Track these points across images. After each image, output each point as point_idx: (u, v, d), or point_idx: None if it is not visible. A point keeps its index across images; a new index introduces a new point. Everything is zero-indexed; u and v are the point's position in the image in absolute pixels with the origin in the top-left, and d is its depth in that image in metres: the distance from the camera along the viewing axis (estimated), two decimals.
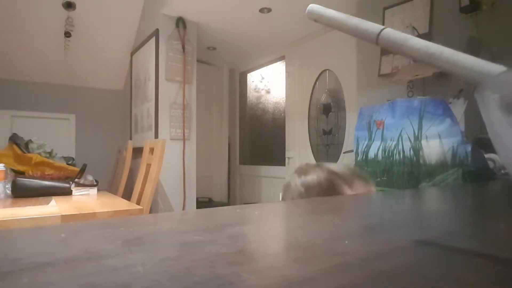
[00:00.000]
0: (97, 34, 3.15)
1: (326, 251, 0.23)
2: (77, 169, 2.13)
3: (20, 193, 1.69)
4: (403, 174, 0.94)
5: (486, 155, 0.97)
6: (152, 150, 1.95)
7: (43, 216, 1.18)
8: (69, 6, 2.84)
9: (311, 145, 3.27)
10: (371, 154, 1.02)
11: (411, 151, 0.93)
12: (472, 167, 0.88)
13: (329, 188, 0.65)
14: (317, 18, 0.32)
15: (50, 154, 2.22)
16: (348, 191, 0.66)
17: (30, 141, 2.24)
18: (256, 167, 3.96)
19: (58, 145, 2.58)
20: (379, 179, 0.99)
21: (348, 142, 2.81)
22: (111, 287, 0.16)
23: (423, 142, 0.92)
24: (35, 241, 0.24)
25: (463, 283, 0.18)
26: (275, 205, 0.47)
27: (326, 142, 3.19)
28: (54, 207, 1.38)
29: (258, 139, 4.12)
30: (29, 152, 2.13)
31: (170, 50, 2.81)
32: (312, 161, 3.19)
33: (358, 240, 0.27)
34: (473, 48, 1.64)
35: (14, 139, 2.19)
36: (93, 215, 1.29)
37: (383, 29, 0.27)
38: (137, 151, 2.61)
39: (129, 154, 2.50)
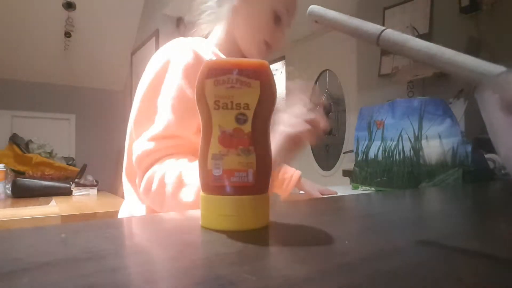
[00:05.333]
0: (97, 34, 3.15)
1: (326, 251, 0.23)
2: (77, 169, 2.13)
3: (20, 193, 1.69)
4: (403, 174, 0.94)
5: (486, 155, 0.97)
6: None
7: (43, 216, 1.18)
8: (69, 6, 2.84)
9: (311, 145, 3.27)
10: (371, 154, 1.01)
11: (411, 151, 0.93)
12: (472, 167, 0.88)
13: None
14: (318, 19, 0.32)
15: (50, 154, 2.22)
16: None
17: (30, 141, 2.24)
18: None
19: (58, 145, 2.57)
20: (379, 179, 0.99)
21: (348, 142, 2.81)
22: (111, 287, 0.16)
23: (423, 142, 0.92)
24: (35, 241, 0.24)
25: (463, 283, 0.18)
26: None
27: (326, 142, 3.19)
28: (54, 207, 1.38)
29: None
30: (29, 152, 2.13)
31: None
32: (313, 161, 3.19)
33: (358, 240, 0.27)
34: (473, 48, 1.64)
35: (14, 139, 2.19)
36: (93, 215, 1.29)
37: (384, 30, 0.27)
38: None
39: None
